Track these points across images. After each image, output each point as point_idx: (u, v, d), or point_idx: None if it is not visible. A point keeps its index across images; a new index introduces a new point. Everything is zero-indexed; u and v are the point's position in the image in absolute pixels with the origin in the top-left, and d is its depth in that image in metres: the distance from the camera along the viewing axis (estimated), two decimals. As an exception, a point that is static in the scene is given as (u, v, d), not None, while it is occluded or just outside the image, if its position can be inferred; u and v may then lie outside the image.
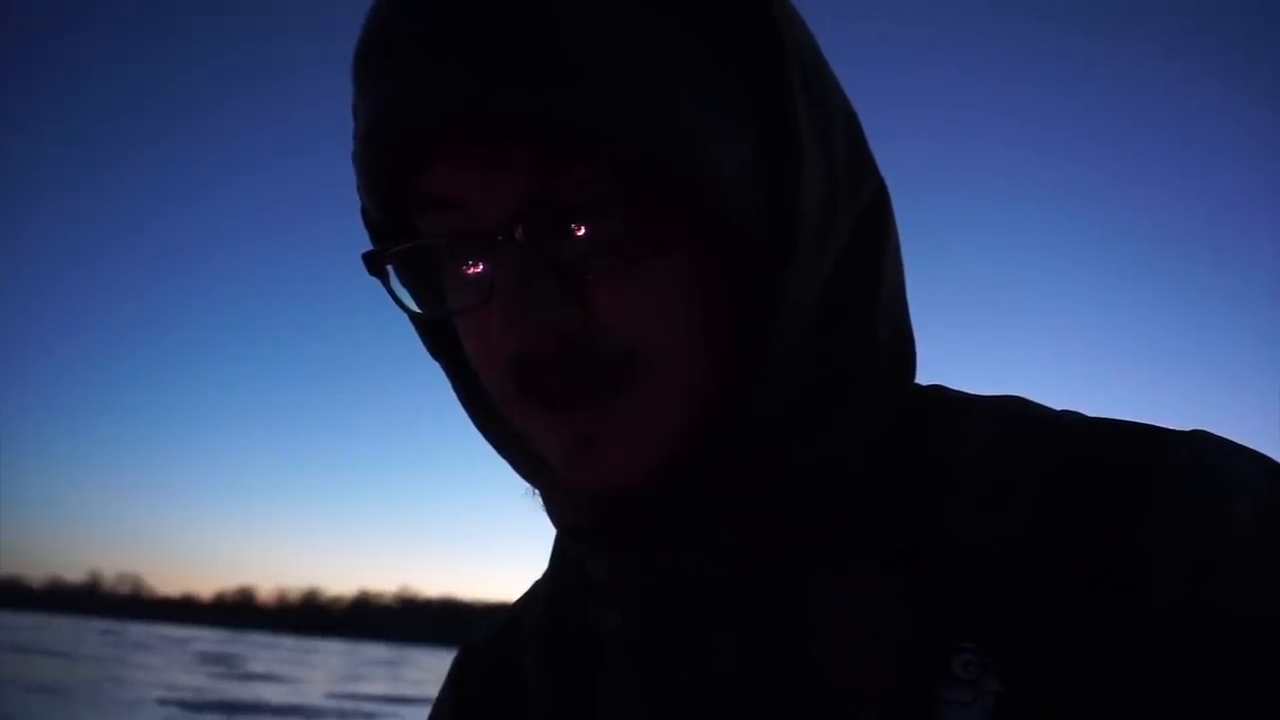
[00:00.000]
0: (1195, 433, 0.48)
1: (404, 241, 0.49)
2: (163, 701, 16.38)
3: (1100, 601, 0.43)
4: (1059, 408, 0.52)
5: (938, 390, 0.54)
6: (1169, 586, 0.43)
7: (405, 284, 0.51)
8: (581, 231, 0.45)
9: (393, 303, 0.51)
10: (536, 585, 0.64)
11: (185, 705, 16.22)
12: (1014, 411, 0.51)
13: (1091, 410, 0.52)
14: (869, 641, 0.46)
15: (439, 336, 0.54)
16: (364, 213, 0.52)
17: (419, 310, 0.51)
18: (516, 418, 0.49)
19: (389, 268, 0.50)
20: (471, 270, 0.48)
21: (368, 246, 0.51)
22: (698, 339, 0.46)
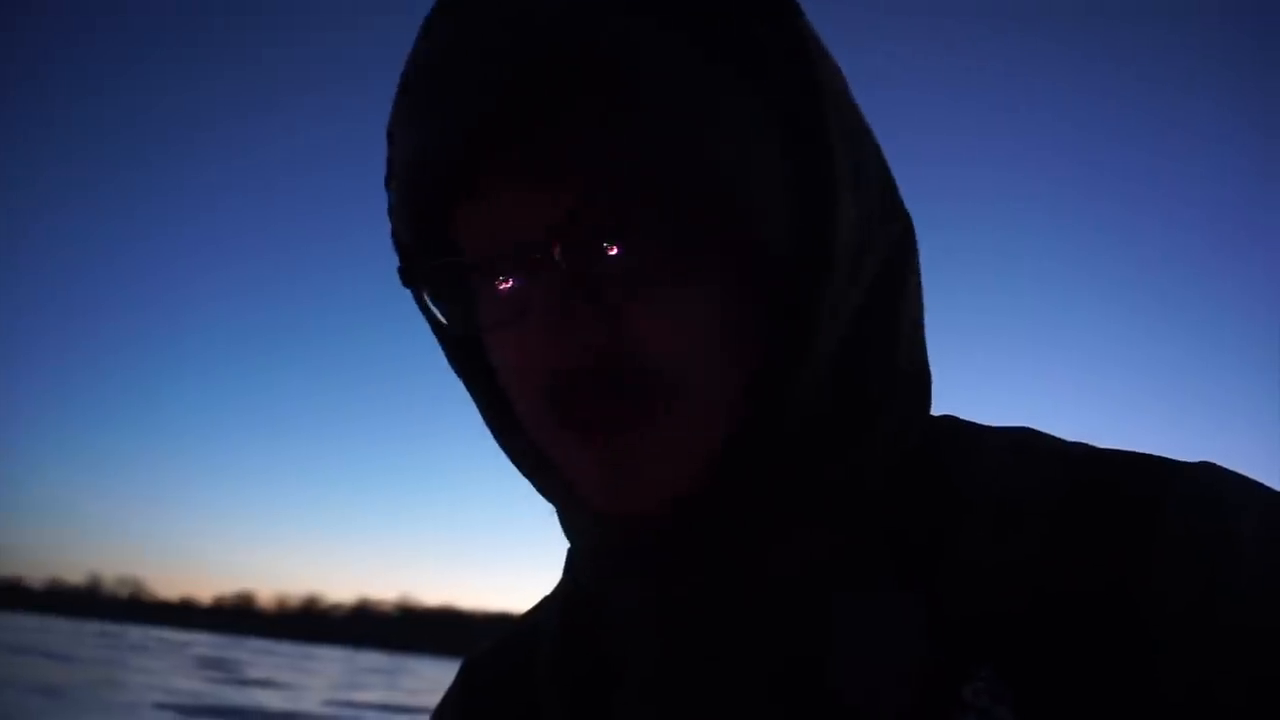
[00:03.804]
0: (1203, 463, 0.48)
1: (438, 258, 0.49)
2: (160, 705, 16.34)
3: (1110, 622, 0.44)
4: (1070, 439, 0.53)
5: (950, 420, 0.55)
6: (1178, 606, 0.43)
7: (435, 298, 0.51)
8: (617, 252, 0.46)
9: (421, 315, 0.51)
10: (549, 598, 0.64)
11: (182, 710, 16.17)
12: (1025, 442, 0.52)
13: (1100, 441, 0.52)
14: (884, 664, 0.46)
15: (464, 351, 0.54)
16: (394, 231, 0.52)
17: (450, 326, 0.51)
18: (546, 437, 0.50)
19: (421, 283, 0.50)
20: (505, 287, 0.48)
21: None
22: (728, 363, 0.47)
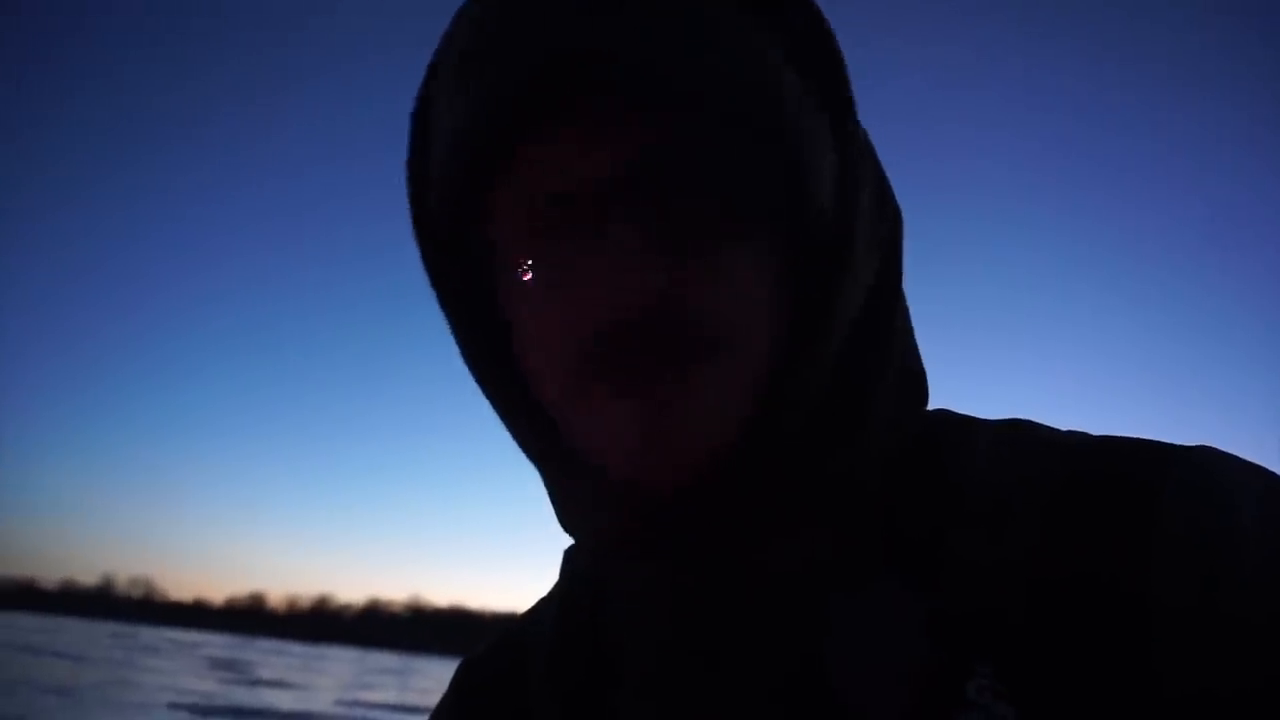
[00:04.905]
0: (1200, 447, 0.48)
1: (472, 226, 0.49)
2: (172, 706, 16.38)
3: (1111, 614, 0.43)
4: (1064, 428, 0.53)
5: (944, 414, 0.55)
6: (1179, 597, 0.43)
7: (456, 280, 0.52)
8: (685, 201, 0.45)
9: (437, 308, 0.51)
10: (544, 601, 0.64)
11: (194, 710, 16.20)
12: (1019, 432, 0.52)
13: (1095, 429, 0.52)
14: (884, 662, 0.46)
15: (478, 335, 0.53)
16: (415, 219, 0.52)
17: (479, 287, 0.51)
18: (575, 399, 0.48)
19: (466, 242, 0.50)
20: (551, 241, 0.47)
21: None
22: (766, 325, 0.46)
